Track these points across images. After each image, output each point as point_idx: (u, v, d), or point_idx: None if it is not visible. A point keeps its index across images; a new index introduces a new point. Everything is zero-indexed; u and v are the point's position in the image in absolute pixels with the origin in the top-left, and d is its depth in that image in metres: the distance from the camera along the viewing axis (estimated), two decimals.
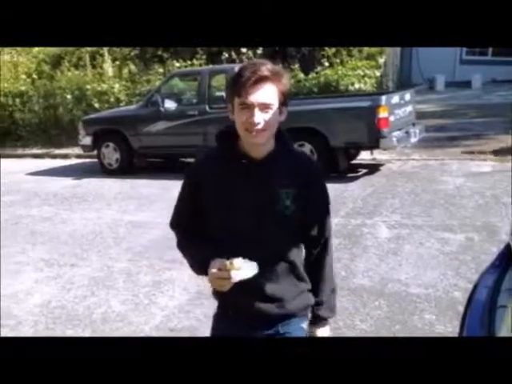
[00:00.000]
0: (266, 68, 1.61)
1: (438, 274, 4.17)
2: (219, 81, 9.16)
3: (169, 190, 7.27)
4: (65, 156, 11.53)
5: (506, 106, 10.82)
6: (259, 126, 1.61)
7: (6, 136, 13.34)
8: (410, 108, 8.00)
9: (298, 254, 1.81)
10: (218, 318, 1.88)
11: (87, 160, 10.60)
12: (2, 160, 10.99)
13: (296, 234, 1.78)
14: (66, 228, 6.23)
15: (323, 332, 1.86)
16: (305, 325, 1.84)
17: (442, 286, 3.95)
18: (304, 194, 1.71)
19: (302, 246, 1.84)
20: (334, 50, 11.76)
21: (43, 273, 4.88)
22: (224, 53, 11.74)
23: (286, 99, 1.67)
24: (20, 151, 12.74)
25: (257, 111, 1.60)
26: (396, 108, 7.48)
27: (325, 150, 7.35)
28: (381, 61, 12.53)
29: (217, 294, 1.78)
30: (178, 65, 12.18)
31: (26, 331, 3.78)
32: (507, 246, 2.04)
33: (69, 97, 12.63)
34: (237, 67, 1.97)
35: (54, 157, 11.73)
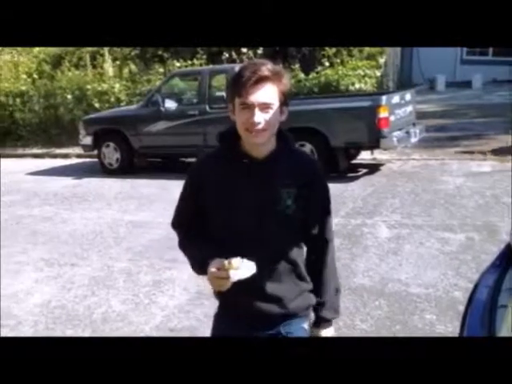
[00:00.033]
0: (267, 68, 1.61)
1: (438, 273, 4.17)
2: (219, 81, 9.16)
3: (169, 190, 7.28)
4: (65, 156, 11.53)
5: (506, 106, 10.82)
6: (259, 126, 1.61)
7: (7, 136, 13.34)
8: (410, 108, 8.00)
9: (300, 254, 1.81)
10: (219, 318, 1.88)
11: (87, 160, 10.61)
12: (3, 160, 10.99)
13: (297, 234, 1.78)
14: (67, 228, 6.23)
15: (327, 333, 1.85)
16: (306, 325, 1.83)
17: (443, 286, 3.95)
18: (305, 193, 1.71)
19: (304, 246, 1.84)
20: (334, 49, 11.76)
21: (43, 272, 4.88)
22: (224, 53, 11.74)
23: (286, 99, 1.67)
24: (20, 151, 12.75)
25: (257, 111, 1.60)
26: (396, 108, 7.48)
27: (325, 149, 7.35)
28: (381, 61, 12.52)
29: (218, 293, 1.78)
30: (178, 65, 12.18)
31: (26, 331, 3.78)
32: (507, 245, 2.04)
33: (69, 97, 12.64)
34: (237, 67, 1.98)
35: (55, 156, 11.74)
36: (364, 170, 8.06)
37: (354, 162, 8.27)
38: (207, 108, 8.33)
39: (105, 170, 9.28)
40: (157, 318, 3.85)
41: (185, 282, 4.38)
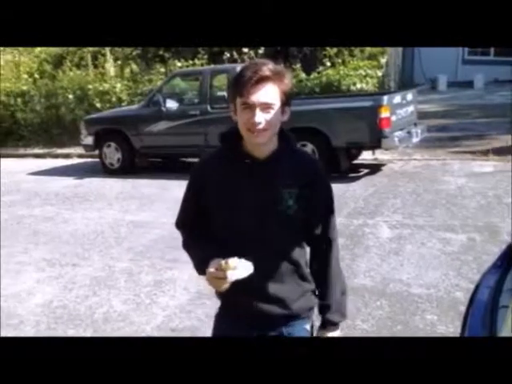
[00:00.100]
0: (268, 68, 1.60)
1: (439, 274, 4.17)
2: (221, 81, 9.15)
3: (170, 190, 7.28)
4: (66, 156, 11.54)
5: (508, 106, 10.80)
6: (261, 126, 1.61)
7: (8, 136, 13.35)
8: (411, 108, 7.99)
9: (302, 254, 1.81)
10: (220, 318, 1.88)
11: (89, 160, 10.61)
12: (4, 160, 11.01)
13: (299, 234, 1.78)
14: (68, 228, 6.24)
15: (333, 336, 1.84)
16: (308, 326, 1.83)
17: (444, 287, 3.95)
18: (307, 194, 1.71)
19: (306, 247, 1.83)
20: (335, 49, 11.75)
21: (45, 272, 4.88)
22: (225, 53, 11.74)
23: (288, 99, 1.67)
24: (22, 151, 12.75)
25: (258, 111, 1.60)
26: (398, 108, 7.48)
27: (326, 149, 7.34)
28: (383, 61, 12.51)
29: (220, 293, 1.77)
30: (179, 64, 12.19)
31: (28, 331, 3.78)
32: (509, 246, 2.04)
33: (70, 96, 12.64)
34: (238, 67, 1.97)
35: (56, 156, 11.74)
36: (365, 170, 8.05)
37: (355, 162, 8.27)
38: (208, 108, 8.32)
39: (106, 170, 9.28)
40: (158, 318, 3.85)
41: (186, 282, 4.39)
